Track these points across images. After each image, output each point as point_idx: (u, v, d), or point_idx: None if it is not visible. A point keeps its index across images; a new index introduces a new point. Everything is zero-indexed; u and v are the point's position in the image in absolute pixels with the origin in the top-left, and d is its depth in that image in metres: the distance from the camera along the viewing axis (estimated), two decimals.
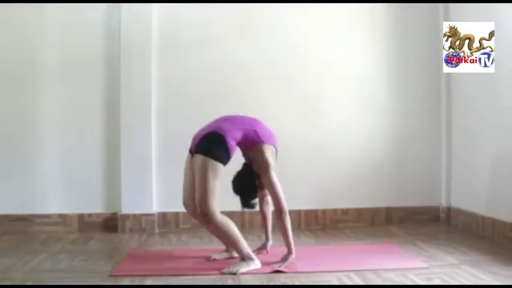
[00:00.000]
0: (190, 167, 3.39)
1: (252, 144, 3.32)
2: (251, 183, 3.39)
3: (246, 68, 4.62)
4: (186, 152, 4.51)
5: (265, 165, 3.29)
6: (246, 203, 3.42)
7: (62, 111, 4.55)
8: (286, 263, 3.30)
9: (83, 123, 4.56)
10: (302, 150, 4.70)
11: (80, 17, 4.55)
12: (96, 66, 4.57)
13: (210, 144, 3.24)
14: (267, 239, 3.72)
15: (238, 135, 3.29)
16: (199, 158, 3.25)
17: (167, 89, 4.59)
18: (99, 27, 4.56)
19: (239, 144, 3.33)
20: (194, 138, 3.40)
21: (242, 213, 4.45)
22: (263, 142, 3.33)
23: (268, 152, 3.34)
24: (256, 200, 3.50)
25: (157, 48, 4.57)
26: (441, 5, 4.78)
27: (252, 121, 3.41)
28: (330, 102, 4.75)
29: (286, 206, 3.33)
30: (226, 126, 3.30)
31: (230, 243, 3.34)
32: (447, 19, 4.72)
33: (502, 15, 3.90)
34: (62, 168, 4.53)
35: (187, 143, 4.52)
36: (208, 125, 3.40)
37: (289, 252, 3.38)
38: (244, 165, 3.46)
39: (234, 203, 3.46)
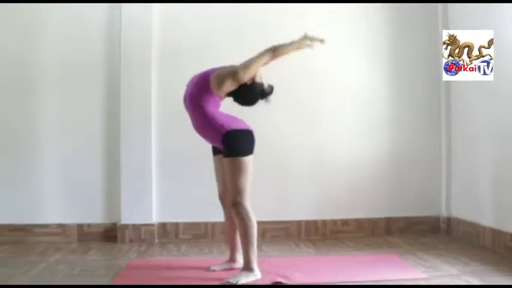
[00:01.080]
0: (219, 163, 3.42)
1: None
2: (245, 90, 3.36)
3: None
4: (186, 162, 4.56)
5: (230, 70, 3.31)
6: (263, 95, 3.40)
7: (62, 121, 4.54)
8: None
9: (83, 133, 4.55)
10: (302, 160, 4.69)
11: (80, 25, 4.56)
12: (96, 77, 4.57)
13: (234, 144, 3.25)
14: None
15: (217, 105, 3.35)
16: (226, 160, 3.27)
17: (167, 98, 4.57)
18: (100, 36, 4.57)
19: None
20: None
21: None
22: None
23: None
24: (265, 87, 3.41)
25: (158, 57, 4.58)
26: (440, 15, 4.79)
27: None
28: (330, 112, 4.74)
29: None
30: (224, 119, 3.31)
31: (244, 241, 3.26)
32: (446, 29, 4.74)
33: (500, 22, 3.92)
34: (61, 178, 4.52)
35: (187, 153, 4.57)
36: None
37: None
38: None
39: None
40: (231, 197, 3.25)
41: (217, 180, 3.52)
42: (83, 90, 4.56)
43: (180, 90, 4.58)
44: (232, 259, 3.52)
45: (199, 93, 3.30)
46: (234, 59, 4.50)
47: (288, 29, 4.60)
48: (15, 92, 4.52)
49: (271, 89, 3.41)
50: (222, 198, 3.48)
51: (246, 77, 3.26)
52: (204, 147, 4.54)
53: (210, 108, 3.28)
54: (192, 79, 3.43)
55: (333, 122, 4.76)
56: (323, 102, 4.74)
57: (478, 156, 4.35)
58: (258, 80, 3.36)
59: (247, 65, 3.25)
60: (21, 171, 4.50)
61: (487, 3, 4.08)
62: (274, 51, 3.27)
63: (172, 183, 4.58)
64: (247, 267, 3.23)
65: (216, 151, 3.46)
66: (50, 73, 4.54)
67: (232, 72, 3.26)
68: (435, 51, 4.75)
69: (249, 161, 3.24)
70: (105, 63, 4.58)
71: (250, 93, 3.36)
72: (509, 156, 3.90)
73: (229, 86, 3.28)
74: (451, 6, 4.74)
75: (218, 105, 3.34)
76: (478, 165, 4.35)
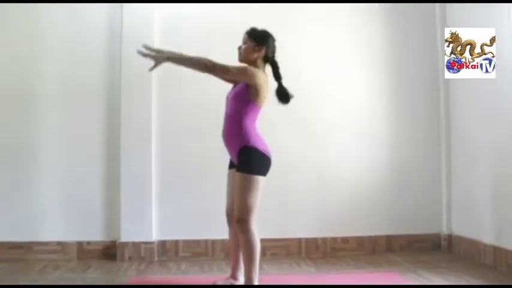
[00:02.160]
0: (232, 177, 3.39)
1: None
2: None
3: None
4: (185, 180, 4.55)
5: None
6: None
7: (62, 138, 4.54)
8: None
9: (83, 150, 4.55)
10: (301, 178, 4.69)
11: (81, 44, 4.59)
12: (96, 94, 4.58)
13: (248, 159, 3.23)
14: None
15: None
16: (238, 175, 3.25)
17: (167, 117, 4.60)
18: (100, 52, 4.59)
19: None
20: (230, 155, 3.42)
21: None
22: None
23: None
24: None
25: (158, 74, 4.57)
26: (439, 30, 4.82)
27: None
28: (329, 129, 4.75)
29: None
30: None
31: (246, 259, 3.22)
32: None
33: (498, 22, 3.94)
34: (60, 196, 4.51)
35: (187, 171, 4.57)
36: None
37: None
38: None
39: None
40: (238, 213, 3.22)
41: (228, 196, 3.49)
42: (83, 108, 4.57)
43: (180, 106, 4.63)
44: (234, 277, 3.50)
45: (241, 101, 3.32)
46: None
47: (290, 47, 4.70)
48: (15, 109, 4.53)
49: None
50: (229, 214, 3.44)
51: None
52: (204, 165, 4.58)
53: (248, 119, 3.30)
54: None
55: (333, 139, 4.76)
56: (323, 120, 4.74)
57: (479, 173, 4.34)
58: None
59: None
60: (20, 189, 4.49)
61: (485, 3, 4.11)
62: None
63: (172, 200, 4.57)
64: (249, 286, 3.22)
65: (231, 165, 3.45)
66: (51, 90, 4.56)
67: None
68: (435, 68, 4.79)
69: (260, 180, 3.22)
70: (105, 80, 4.59)
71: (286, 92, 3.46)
72: (510, 173, 3.90)
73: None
74: (449, 13, 4.78)
75: (255, 119, 3.36)
76: (479, 182, 4.34)
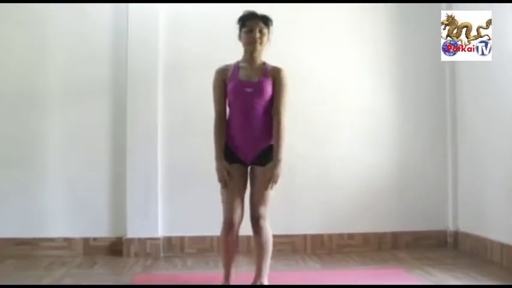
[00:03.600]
0: (241, 178, 3.22)
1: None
2: None
3: None
4: (191, 177, 4.55)
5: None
6: None
7: (68, 135, 4.56)
8: None
9: (89, 147, 4.56)
10: (308, 174, 4.68)
11: (86, 44, 4.60)
12: (102, 93, 4.59)
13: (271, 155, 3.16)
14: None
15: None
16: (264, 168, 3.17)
17: (173, 115, 4.60)
18: (106, 54, 4.60)
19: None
20: (247, 150, 3.19)
21: (248, 238, 4.42)
22: None
23: None
24: None
25: (163, 76, 4.61)
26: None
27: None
28: (336, 126, 4.74)
29: None
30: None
31: (264, 255, 3.20)
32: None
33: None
34: (67, 192, 4.53)
35: (192, 168, 4.56)
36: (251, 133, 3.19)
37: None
38: None
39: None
40: (259, 207, 3.14)
41: (235, 202, 3.17)
42: (90, 106, 4.59)
43: (186, 107, 4.63)
44: (229, 279, 3.31)
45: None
46: None
47: (295, 49, 4.69)
48: (23, 108, 4.54)
49: None
50: (235, 220, 3.17)
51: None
52: (209, 162, 4.55)
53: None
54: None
55: (339, 136, 4.75)
56: (329, 117, 4.73)
57: (485, 170, 4.33)
58: None
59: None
60: (27, 186, 4.51)
61: (490, 3, 4.08)
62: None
63: (177, 197, 4.57)
64: (261, 280, 3.19)
65: (238, 160, 3.20)
66: (58, 89, 4.57)
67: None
68: (440, 63, 4.76)
69: None
70: (111, 81, 4.60)
71: None
72: None
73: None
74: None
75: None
76: (485, 179, 4.32)
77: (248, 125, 3.16)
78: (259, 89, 3.16)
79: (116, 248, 4.49)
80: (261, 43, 3.17)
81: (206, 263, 4.23)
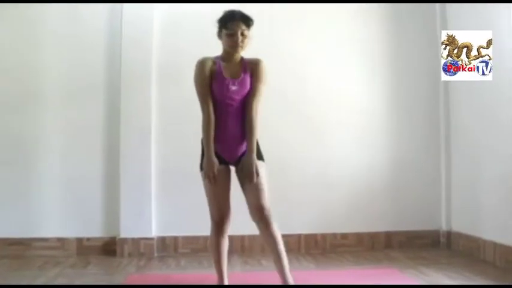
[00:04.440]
0: (227, 179, 3.15)
1: None
2: None
3: None
4: (184, 177, 4.53)
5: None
6: None
7: (61, 135, 4.55)
8: None
9: (83, 147, 4.55)
10: (302, 174, 4.69)
11: (80, 44, 4.59)
12: (96, 94, 4.59)
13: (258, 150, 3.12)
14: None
15: None
16: (260, 163, 3.10)
17: (167, 115, 4.60)
18: (100, 55, 4.60)
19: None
20: (231, 150, 3.12)
21: (242, 237, 4.44)
22: None
23: None
24: None
25: (157, 77, 4.60)
26: (439, 30, 4.81)
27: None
28: (330, 127, 4.75)
29: None
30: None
31: (282, 250, 3.09)
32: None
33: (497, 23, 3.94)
34: (60, 192, 4.51)
35: (186, 168, 4.53)
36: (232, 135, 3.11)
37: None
38: None
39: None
40: (263, 203, 3.04)
41: (222, 198, 3.14)
42: (83, 106, 4.58)
43: (180, 108, 4.62)
44: (224, 280, 3.26)
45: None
46: None
47: (290, 48, 4.69)
48: (15, 109, 4.53)
49: None
50: (224, 219, 3.16)
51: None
52: None
53: None
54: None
55: (333, 136, 4.77)
56: (324, 117, 4.74)
57: (478, 170, 4.35)
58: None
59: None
60: (20, 186, 4.49)
61: (484, 4, 4.11)
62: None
63: (171, 197, 4.57)
64: (288, 281, 3.07)
65: (223, 161, 3.13)
66: (51, 90, 4.56)
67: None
68: (434, 64, 4.79)
69: None
70: (105, 81, 4.60)
71: None
72: (508, 170, 3.90)
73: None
74: (449, 13, 4.78)
75: None
76: (478, 179, 4.34)
77: (232, 124, 3.10)
78: (243, 84, 3.10)
79: (109, 248, 4.48)
80: (242, 46, 3.10)
81: (200, 263, 4.23)
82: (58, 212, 4.50)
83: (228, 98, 3.08)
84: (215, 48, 4.53)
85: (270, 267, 4.00)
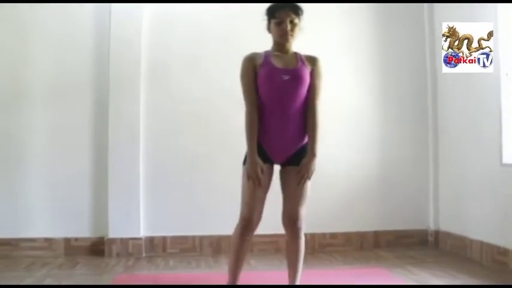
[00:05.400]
0: (269, 179, 2.98)
1: None
2: None
3: (234, 95, 4.61)
4: (173, 176, 4.54)
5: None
6: None
7: (50, 134, 4.51)
8: None
9: (71, 147, 4.52)
10: None
11: (69, 43, 4.57)
12: (84, 93, 4.56)
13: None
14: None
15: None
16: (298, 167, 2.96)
17: (156, 114, 4.59)
18: (88, 54, 4.57)
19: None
20: (281, 151, 2.94)
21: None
22: None
23: None
24: None
25: (146, 75, 4.58)
26: (427, 30, 4.86)
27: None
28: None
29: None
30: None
31: (300, 259, 3.03)
32: (433, 54, 4.80)
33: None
34: (48, 192, 4.48)
35: (174, 167, 4.55)
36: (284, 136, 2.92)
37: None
38: None
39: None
40: (298, 208, 2.95)
41: (258, 199, 2.96)
42: (71, 106, 4.55)
43: (169, 106, 4.61)
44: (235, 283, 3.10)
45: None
46: (223, 78, 4.53)
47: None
48: (2, 108, 4.49)
49: None
50: (255, 220, 2.98)
51: None
52: (192, 162, 4.57)
53: None
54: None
55: (322, 137, 4.75)
56: None
57: (465, 170, 4.38)
58: None
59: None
60: (7, 185, 4.45)
61: (472, 3, 4.14)
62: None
63: (159, 197, 4.55)
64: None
65: (268, 160, 2.94)
66: (39, 89, 4.52)
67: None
68: (422, 64, 4.83)
69: None
70: (94, 80, 4.57)
71: None
72: (495, 171, 3.94)
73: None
74: (436, 13, 4.81)
75: None
76: (465, 179, 4.38)
77: (284, 121, 2.87)
78: (297, 76, 2.87)
79: (97, 248, 4.46)
80: (292, 35, 2.90)
81: (188, 263, 4.22)
82: (46, 212, 4.46)
83: (280, 90, 2.85)
84: (205, 46, 4.57)
85: (257, 268, 4.01)
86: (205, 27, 4.66)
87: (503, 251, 3.81)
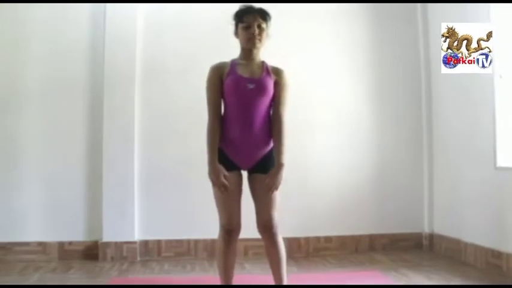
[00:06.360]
0: (239, 185, 2.97)
1: None
2: None
3: None
4: (168, 180, 4.53)
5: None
6: None
7: (43, 138, 4.50)
8: None
9: (65, 150, 4.51)
10: (285, 177, 4.65)
11: (64, 43, 4.56)
12: (79, 94, 4.55)
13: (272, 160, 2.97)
14: None
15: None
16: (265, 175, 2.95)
17: (151, 115, 4.58)
18: (83, 53, 4.57)
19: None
20: (247, 157, 2.95)
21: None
22: None
23: None
24: None
25: (141, 74, 4.58)
26: (420, 30, 4.87)
27: None
28: (314, 130, 4.76)
29: None
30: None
31: (283, 263, 3.04)
32: (427, 56, 4.81)
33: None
34: (42, 195, 4.46)
35: (169, 171, 4.54)
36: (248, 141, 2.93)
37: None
38: None
39: None
40: (272, 215, 2.94)
41: (233, 206, 2.95)
42: (66, 107, 4.54)
43: (164, 107, 4.61)
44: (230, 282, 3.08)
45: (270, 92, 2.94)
46: None
47: (273, 51, 4.68)
48: None
49: None
50: (235, 228, 2.96)
51: None
52: (186, 166, 4.55)
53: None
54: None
55: (317, 140, 4.77)
56: (309, 121, 4.74)
57: (459, 173, 4.39)
58: None
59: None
60: (1, 189, 4.43)
61: (465, 3, 4.15)
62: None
63: (154, 200, 4.54)
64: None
65: (235, 167, 2.96)
66: (33, 89, 4.51)
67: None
68: (416, 66, 4.84)
69: None
70: (88, 80, 4.57)
71: None
72: (489, 174, 3.95)
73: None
74: (430, 13, 4.83)
75: None
76: (459, 183, 4.38)
77: (249, 128, 2.90)
78: (261, 85, 2.90)
79: (91, 252, 4.44)
80: (260, 40, 2.92)
81: (183, 267, 4.21)
82: (39, 216, 4.44)
83: (245, 98, 2.88)
84: (200, 46, 4.57)
85: (253, 271, 4.00)
86: (200, 27, 4.66)
87: (497, 254, 3.82)
